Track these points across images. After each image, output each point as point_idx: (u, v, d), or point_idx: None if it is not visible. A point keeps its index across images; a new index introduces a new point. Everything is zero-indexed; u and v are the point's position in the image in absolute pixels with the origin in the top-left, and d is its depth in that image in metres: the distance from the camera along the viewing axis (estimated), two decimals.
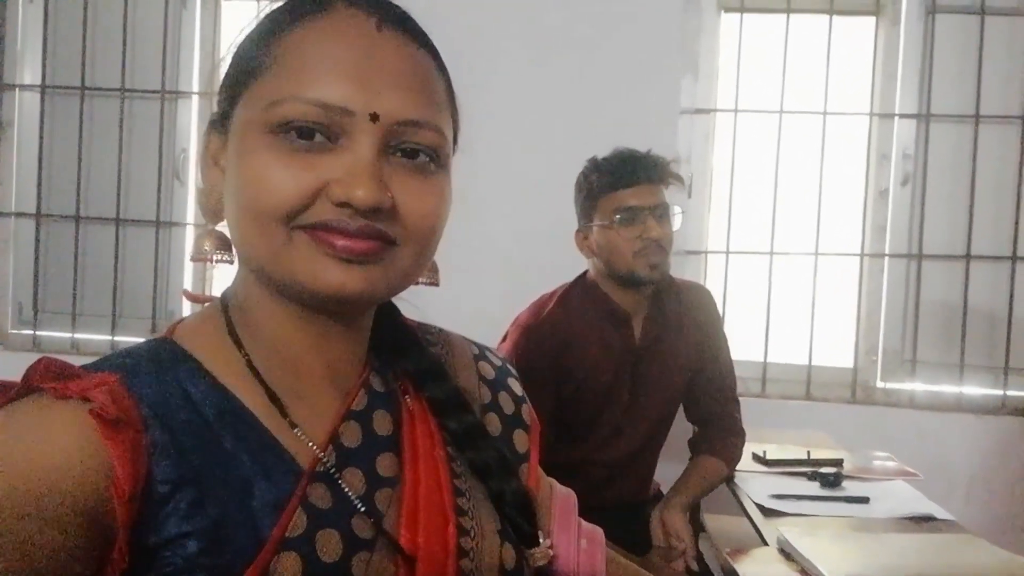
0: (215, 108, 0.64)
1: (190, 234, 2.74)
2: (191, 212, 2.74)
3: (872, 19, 2.59)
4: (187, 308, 2.74)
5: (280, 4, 0.61)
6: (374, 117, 0.56)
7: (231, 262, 0.65)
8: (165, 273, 2.74)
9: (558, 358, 1.74)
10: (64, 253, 2.75)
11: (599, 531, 0.80)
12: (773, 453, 1.90)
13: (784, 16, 2.56)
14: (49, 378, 0.53)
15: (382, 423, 0.65)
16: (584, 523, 0.80)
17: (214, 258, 0.65)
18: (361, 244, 0.56)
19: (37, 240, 2.76)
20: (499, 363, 0.79)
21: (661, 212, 1.77)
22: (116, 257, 2.73)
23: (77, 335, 2.74)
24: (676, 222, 1.79)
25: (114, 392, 0.53)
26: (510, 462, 0.71)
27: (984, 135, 2.49)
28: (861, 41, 2.59)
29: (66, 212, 2.74)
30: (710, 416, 1.91)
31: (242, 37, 0.62)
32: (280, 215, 0.55)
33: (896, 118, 2.54)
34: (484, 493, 0.68)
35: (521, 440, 0.76)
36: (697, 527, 2.33)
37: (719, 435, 1.89)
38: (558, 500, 0.79)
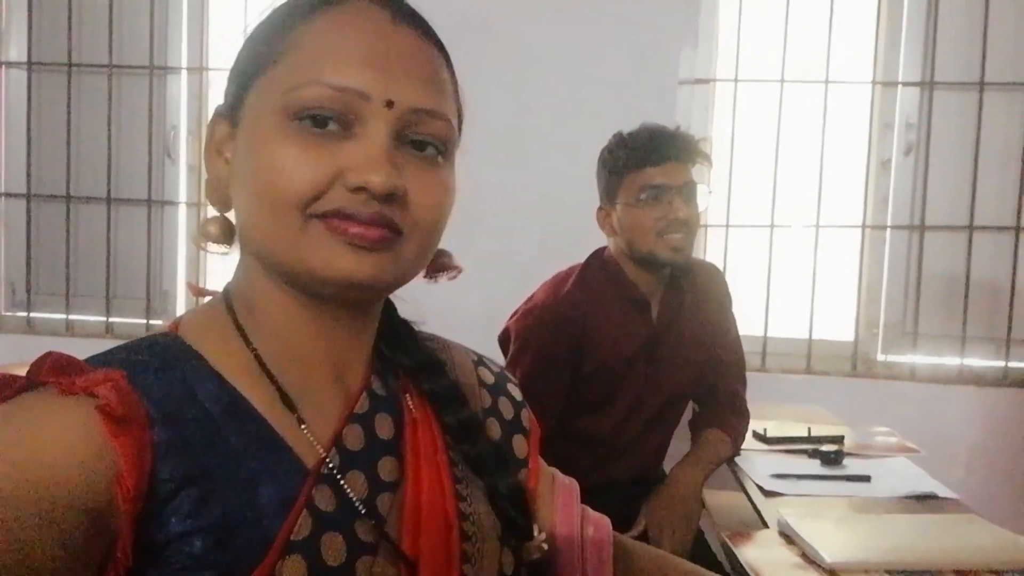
0: (222, 98, 0.64)
1: (182, 212, 2.71)
2: (183, 190, 2.71)
3: None
4: (181, 287, 2.72)
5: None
6: (390, 104, 0.57)
7: (227, 253, 0.66)
8: (158, 252, 2.71)
9: (577, 339, 1.70)
10: (56, 233, 2.72)
11: (605, 519, 0.80)
12: (774, 430, 1.89)
13: None
14: (55, 373, 0.52)
15: (383, 426, 0.65)
16: (590, 511, 0.79)
17: (218, 247, 0.66)
18: (373, 232, 0.56)
19: (28, 221, 2.72)
20: (498, 370, 0.80)
21: (688, 192, 1.71)
22: (108, 237, 2.69)
23: (71, 316, 2.72)
24: (704, 202, 1.74)
25: (120, 389, 0.52)
26: (506, 457, 0.72)
27: (989, 103, 2.44)
28: (864, 8, 2.53)
29: (56, 192, 2.70)
30: (717, 394, 1.88)
31: (252, 28, 0.63)
32: (296, 202, 0.56)
33: (899, 86, 2.49)
34: (483, 494, 0.68)
35: (520, 445, 0.76)
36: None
37: (725, 413, 1.85)
38: (560, 490, 0.79)
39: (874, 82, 2.51)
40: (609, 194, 1.77)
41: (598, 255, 1.84)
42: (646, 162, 1.70)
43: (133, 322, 2.69)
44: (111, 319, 2.70)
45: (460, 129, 0.66)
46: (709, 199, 1.78)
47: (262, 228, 0.58)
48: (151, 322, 2.68)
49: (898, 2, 2.48)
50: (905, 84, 2.49)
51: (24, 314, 2.73)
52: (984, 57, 2.42)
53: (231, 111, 0.62)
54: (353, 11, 0.60)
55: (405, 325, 0.73)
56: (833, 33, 2.49)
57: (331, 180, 0.56)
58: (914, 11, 2.47)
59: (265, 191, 0.57)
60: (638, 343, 1.76)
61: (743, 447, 1.84)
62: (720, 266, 2.49)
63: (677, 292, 1.82)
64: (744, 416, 1.87)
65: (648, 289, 1.78)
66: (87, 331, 2.70)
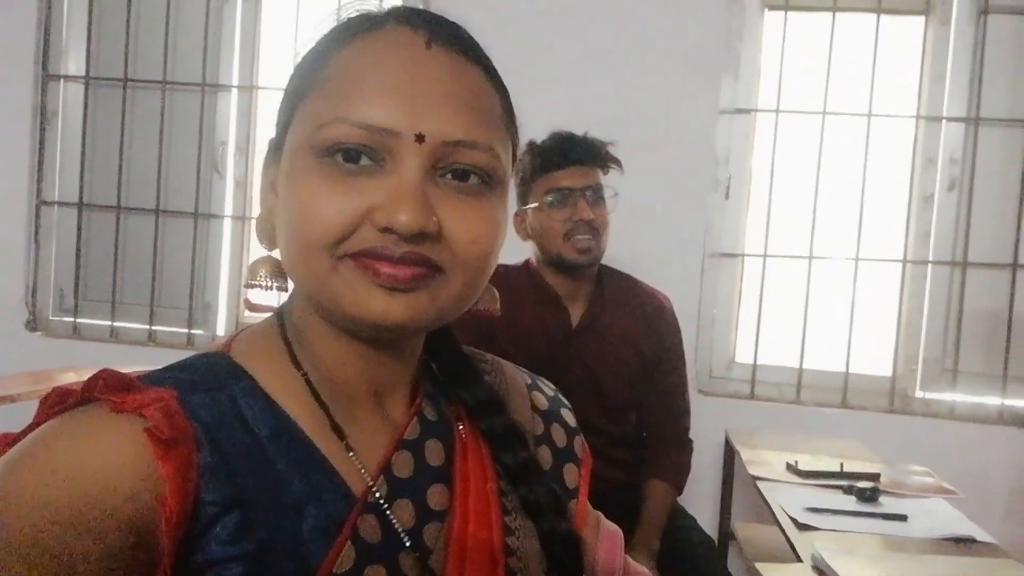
0: (265, 137, 0.63)
1: (228, 226, 2.77)
2: (229, 205, 2.77)
3: (921, 18, 2.52)
4: (223, 299, 2.77)
5: (335, 25, 0.60)
6: (420, 138, 0.54)
7: (285, 290, 0.64)
8: (202, 264, 2.77)
9: (491, 334, 1.76)
10: (105, 242, 2.80)
11: (646, 572, 0.77)
12: (805, 463, 1.87)
13: (830, 14, 2.50)
14: (108, 390, 0.52)
15: (434, 453, 0.63)
16: (631, 562, 0.77)
17: (269, 285, 0.64)
18: (406, 271, 0.54)
19: (79, 229, 2.81)
20: (552, 393, 0.77)
21: (594, 194, 1.79)
22: (155, 247, 2.76)
23: (116, 323, 2.78)
24: (611, 204, 1.81)
25: (169, 410, 0.52)
26: (562, 502, 0.68)
27: None
28: (909, 41, 2.52)
29: (107, 202, 2.79)
30: (660, 427, 1.93)
31: (297, 60, 0.61)
32: (325, 243, 0.54)
33: (944, 121, 2.48)
34: (533, 531, 0.65)
35: (572, 475, 0.73)
36: (727, 535, 2.32)
37: (665, 451, 1.92)
38: (605, 537, 0.76)
39: (918, 116, 2.50)
40: (522, 198, 1.85)
41: (526, 261, 1.92)
42: (551, 166, 1.79)
43: (175, 331, 2.75)
44: (154, 327, 2.76)
45: (515, 154, 0.63)
46: (616, 201, 1.84)
47: (297, 267, 0.57)
48: (192, 332, 2.74)
49: (944, 36, 2.47)
50: (950, 119, 2.47)
51: (71, 319, 2.81)
52: None
53: (278, 146, 0.61)
54: (385, 38, 0.56)
55: (465, 358, 0.70)
56: (877, 66, 2.48)
57: (360, 219, 0.54)
58: (961, 46, 2.46)
59: (296, 230, 0.55)
60: (555, 340, 1.82)
61: (774, 477, 1.82)
62: (756, 296, 2.50)
63: (603, 300, 1.87)
64: (687, 447, 1.94)
65: (564, 291, 1.85)
66: (131, 338, 2.76)
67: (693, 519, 1.97)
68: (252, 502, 0.53)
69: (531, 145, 1.84)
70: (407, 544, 0.57)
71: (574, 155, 1.79)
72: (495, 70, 0.61)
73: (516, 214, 1.87)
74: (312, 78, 0.57)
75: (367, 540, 0.56)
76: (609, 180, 1.86)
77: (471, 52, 0.59)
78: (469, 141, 0.55)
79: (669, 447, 1.93)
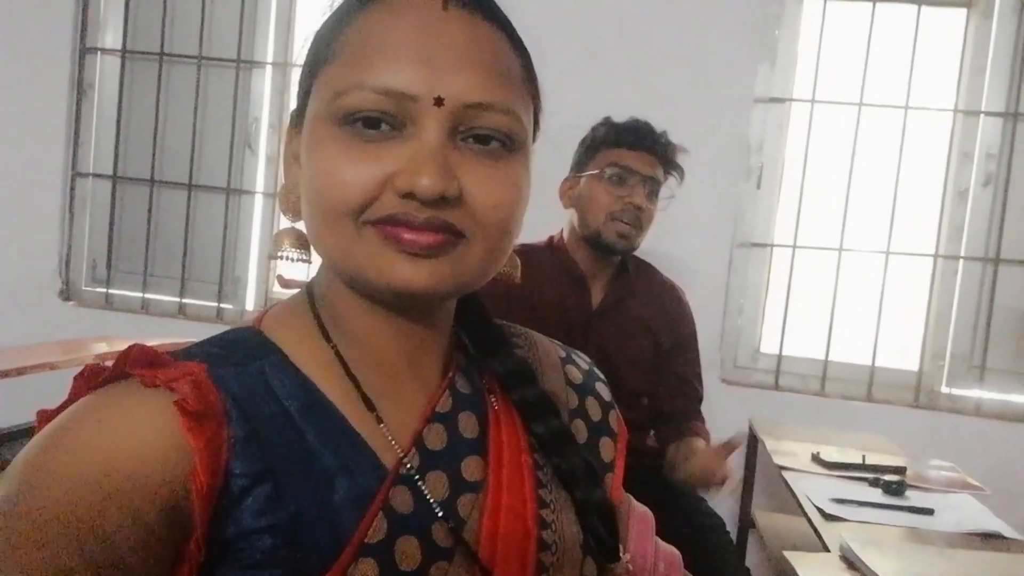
0: (295, 103, 0.62)
1: (259, 202, 2.80)
2: (261, 181, 2.79)
3: (963, 11, 2.48)
4: (253, 273, 2.80)
5: None
6: (439, 101, 0.53)
7: (309, 261, 0.64)
8: (233, 239, 2.80)
9: (510, 308, 1.74)
10: (138, 215, 2.83)
11: (677, 554, 0.78)
12: (828, 454, 1.87)
13: (870, 4, 2.47)
14: (139, 365, 0.53)
15: (468, 425, 0.63)
16: (661, 544, 0.77)
17: (293, 256, 0.64)
18: (428, 237, 0.53)
19: (113, 201, 2.84)
20: (587, 367, 0.76)
21: (652, 187, 1.78)
22: (187, 221, 2.80)
23: (147, 295, 2.82)
24: (662, 205, 1.81)
25: (199, 383, 0.53)
26: (596, 471, 0.68)
27: None
28: (950, 34, 2.49)
29: (141, 175, 2.82)
30: (679, 412, 1.91)
31: (316, 28, 0.60)
32: (347, 211, 0.54)
33: (981, 115, 2.45)
34: (568, 503, 0.65)
35: (607, 448, 0.72)
36: (747, 523, 2.33)
37: (690, 420, 1.90)
38: (635, 519, 0.76)
39: (956, 110, 2.47)
40: (579, 165, 1.84)
41: (549, 238, 1.92)
42: (622, 142, 1.77)
43: (205, 304, 2.79)
44: (184, 300, 2.80)
45: (537, 117, 0.62)
46: (668, 204, 1.84)
47: (321, 236, 0.57)
48: (222, 306, 2.77)
49: (986, 29, 2.44)
50: (988, 114, 2.44)
51: (103, 290, 2.85)
52: None
53: (299, 115, 0.60)
54: (402, 1, 0.56)
55: (493, 327, 0.70)
56: (916, 58, 2.45)
57: (382, 186, 0.53)
58: (1003, 39, 2.42)
59: (319, 200, 0.55)
60: (574, 318, 1.82)
61: (799, 467, 1.83)
62: (784, 286, 2.49)
63: (626, 285, 1.87)
64: (704, 425, 1.93)
65: (588, 269, 1.84)
66: (161, 310, 2.80)
67: (705, 502, 1.94)
68: (283, 474, 0.53)
69: (608, 120, 1.84)
70: (439, 515, 0.57)
71: (649, 141, 1.78)
72: (515, 31, 0.60)
73: (567, 179, 1.85)
74: (330, 46, 0.57)
75: (399, 511, 0.56)
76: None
77: (489, 12, 0.58)
78: (488, 103, 0.55)
79: (693, 419, 1.91)
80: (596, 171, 1.77)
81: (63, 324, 2.73)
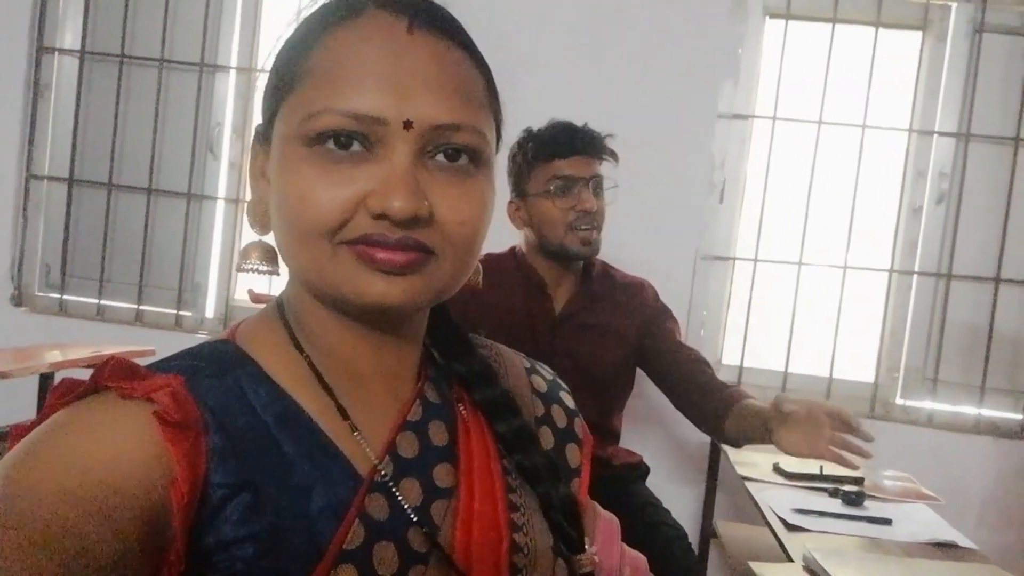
0: (260, 119, 0.63)
1: (220, 208, 2.75)
2: (223, 186, 2.75)
3: (919, 34, 2.56)
4: (213, 280, 2.76)
5: (313, 10, 0.60)
6: (407, 124, 0.55)
7: (277, 274, 0.65)
8: (194, 245, 2.75)
9: (478, 317, 1.75)
10: (95, 219, 2.77)
11: (642, 559, 0.79)
12: (789, 465, 1.91)
13: (830, 25, 2.54)
14: (116, 377, 0.53)
15: (437, 433, 0.64)
16: (627, 549, 0.79)
17: (261, 269, 0.66)
18: (401, 256, 0.55)
19: (68, 205, 2.77)
20: (551, 377, 0.79)
21: (596, 184, 1.80)
22: (146, 226, 2.74)
23: (103, 301, 2.76)
24: (610, 196, 1.83)
25: (177, 395, 0.53)
26: (559, 468, 0.70)
27: None
28: (905, 56, 2.57)
29: (99, 179, 2.75)
30: (706, 381, 1.77)
31: (279, 46, 0.61)
32: (323, 231, 0.55)
33: (935, 135, 2.53)
34: (537, 505, 0.67)
35: (573, 454, 0.75)
36: (709, 533, 2.35)
37: (731, 390, 1.73)
38: (602, 525, 0.77)
39: (911, 130, 2.54)
40: (519, 187, 1.85)
41: (512, 248, 1.93)
42: (555, 154, 1.78)
43: (164, 311, 2.73)
44: (142, 307, 2.74)
45: (499, 132, 0.64)
46: (615, 193, 1.85)
47: (295, 255, 0.58)
48: (181, 313, 2.72)
49: (940, 52, 2.52)
50: (941, 134, 2.52)
51: (57, 296, 2.77)
52: (1022, 113, 2.46)
53: (265, 133, 0.62)
54: (366, 25, 0.57)
55: (458, 333, 0.72)
56: (873, 79, 2.52)
57: (355, 206, 0.55)
58: (955, 62, 2.51)
59: (293, 219, 0.56)
60: (538, 326, 1.83)
61: (762, 478, 1.86)
62: (746, 300, 2.53)
63: (588, 289, 1.88)
64: None
65: (550, 277, 1.86)
66: (118, 317, 2.74)
67: (668, 512, 1.94)
68: (261, 484, 0.54)
69: (530, 132, 1.84)
70: (414, 520, 0.59)
71: (578, 144, 1.79)
72: (477, 50, 0.62)
73: (510, 202, 1.86)
74: (297, 68, 0.58)
75: (375, 518, 0.57)
76: (604, 171, 1.87)
77: (453, 34, 0.59)
78: (455, 124, 0.57)
79: (726, 385, 1.75)
80: (541, 190, 1.79)
81: (15, 330, 2.66)
